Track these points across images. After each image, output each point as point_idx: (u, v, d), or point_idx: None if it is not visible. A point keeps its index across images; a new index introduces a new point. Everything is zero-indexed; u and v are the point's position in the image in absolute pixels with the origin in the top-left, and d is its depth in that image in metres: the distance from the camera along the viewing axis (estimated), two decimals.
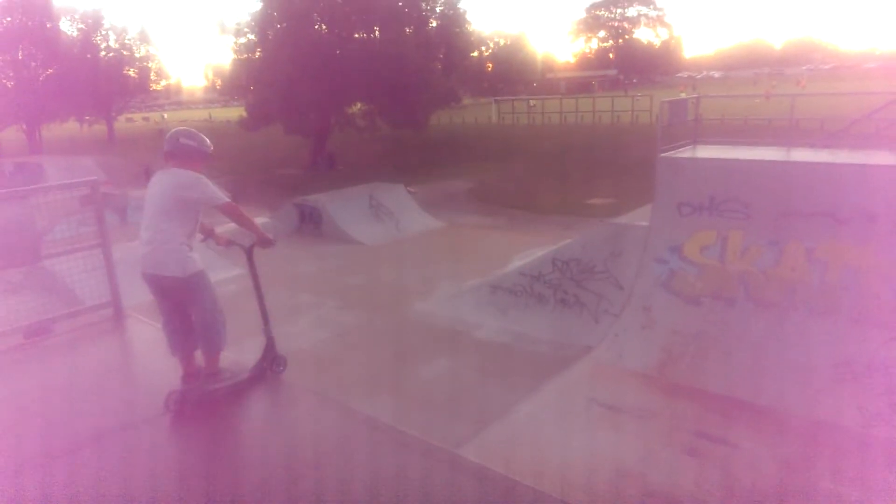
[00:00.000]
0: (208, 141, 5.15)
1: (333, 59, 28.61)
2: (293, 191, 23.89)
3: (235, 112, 45.33)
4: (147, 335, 6.47)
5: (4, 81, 42.66)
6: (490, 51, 78.05)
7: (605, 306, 8.91)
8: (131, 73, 53.71)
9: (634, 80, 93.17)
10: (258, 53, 32.55)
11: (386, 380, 8.03)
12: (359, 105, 34.19)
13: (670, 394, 7.15)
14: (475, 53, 61.51)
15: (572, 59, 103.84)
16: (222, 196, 4.84)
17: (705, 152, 8.98)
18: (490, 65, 77.51)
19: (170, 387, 4.95)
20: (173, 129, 5.11)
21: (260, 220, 17.87)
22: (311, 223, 17.10)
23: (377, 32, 31.40)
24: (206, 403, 4.85)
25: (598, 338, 8.49)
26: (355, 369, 8.44)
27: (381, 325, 10.22)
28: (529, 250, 13.44)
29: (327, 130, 32.35)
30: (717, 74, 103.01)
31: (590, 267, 9.26)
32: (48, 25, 43.00)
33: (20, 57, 42.97)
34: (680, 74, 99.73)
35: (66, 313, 6.59)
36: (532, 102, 53.15)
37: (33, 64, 43.86)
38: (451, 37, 33.54)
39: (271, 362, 5.72)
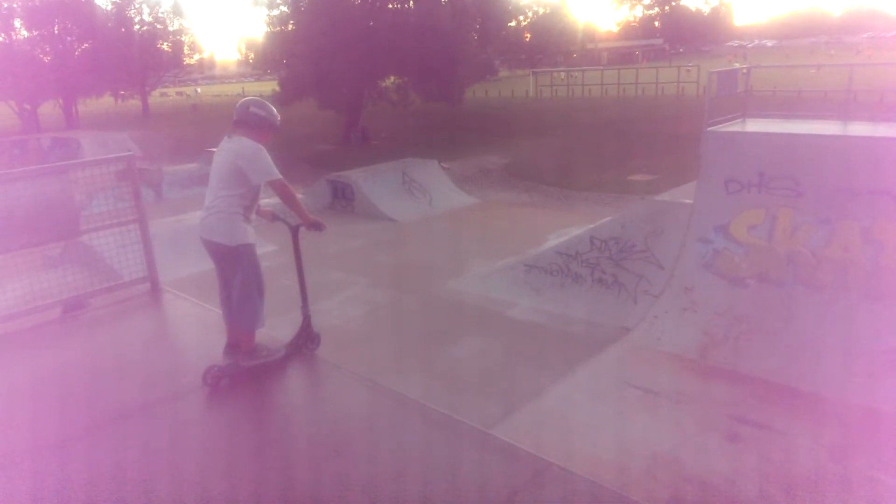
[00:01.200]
0: (276, 112, 5.22)
1: (367, 30, 28.55)
2: (326, 166, 24.12)
3: (268, 86, 45.77)
4: (183, 310, 6.70)
5: (41, 56, 43.82)
6: (528, 20, 76.63)
7: (644, 287, 8.81)
8: (165, 47, 54.63)
9: (681, 50, 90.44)
10: (291, 26, 32.67)
11: (416, 358, 8.13)
12: (392, 78, 34.09)
13: (710, 378, 7.07)
14: (512, 23, 60.51)
15: (615, 28, 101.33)
16: (276, 172, 4.92)
17: (755, 126, 8.73)
18: (528, 35, 76.21)
19: (207, 361, 5.13)
20: (245, 98, 5.19)
21: None
22: (343, 199, 17.27)
23: (411, 3, 31.15)
24: (242, 379, 5.01)
25: (636, 319, 8.42)
26: (386, 348, 8.57)
27: (413, 303, 10.32)
28: (566, 228, 13.33)
29: (360, 105, 32.41)
30: (769, 43, 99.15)
31: (629, 246, 9.16)
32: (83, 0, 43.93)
33: (56, 32, 44.02)
34: (730, 43, 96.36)
35: (103, 288, 6.85)
36: (561, 75, 52.17)
37: (69, 39, 44.91)
38: (488, 6, 32.99)
39: (307, 339, 5.87)
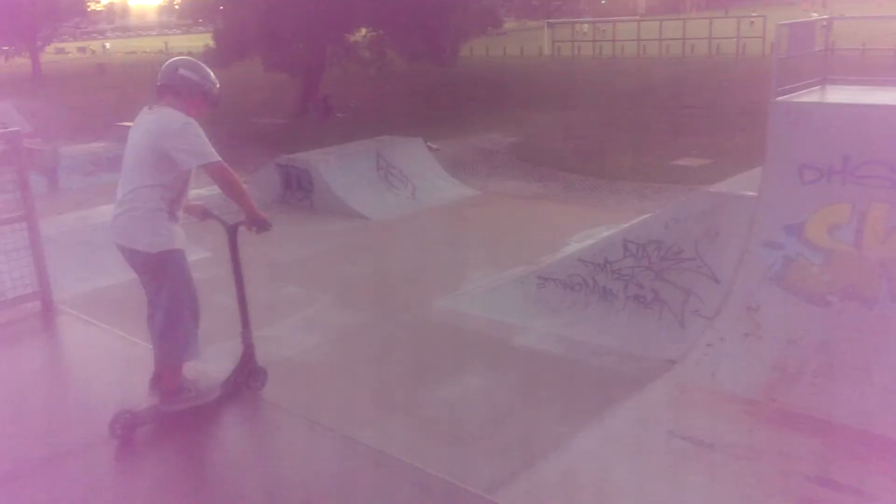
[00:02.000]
0: (214, 77, 5.19)
1: None
2: (275, 146, 24.10)
3: (200, 41, 45.69)
4: (86, 336, 6.67)
5: None
6: None
7: (694, 306, 8.83)
8: None
9: None
10: None
11: (398, 401, 8.08)
12: (364, 31, 34.13)
13: (782, 426, 7.08)
14: None
15: None
16: (212, 153, 4.91)
17: (839, 95, 8.80)
18: None
19: (116, 405, 5.10)
20: (173, 58, 5.15)
21: None
22: (298, 190, 17.22)
23: None
24: (164, 427, 4.99)
25: (685, 348, 8.44)
26: (357, 387, 8.50)
27: (392, 328, 10.28)
28: (592, 229, 13.36)
29: (321, 66, 32.43)
30: None
31: (675, 252, 9.18)
32: None
33: None
34: None
35: None
36: (585, 27, 52.45)
37: None
38: None
39: (248, 376, 5.85)
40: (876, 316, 7.52)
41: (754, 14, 47.09)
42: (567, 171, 19.86)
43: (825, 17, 10.45)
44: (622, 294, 9.55)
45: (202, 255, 13.43)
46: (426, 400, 8.14)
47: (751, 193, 8.77)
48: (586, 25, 53.60)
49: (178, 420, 5.14)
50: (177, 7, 36.08)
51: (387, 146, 18.22)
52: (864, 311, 7.59)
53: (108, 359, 5.17)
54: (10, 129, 6.57)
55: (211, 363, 8.76)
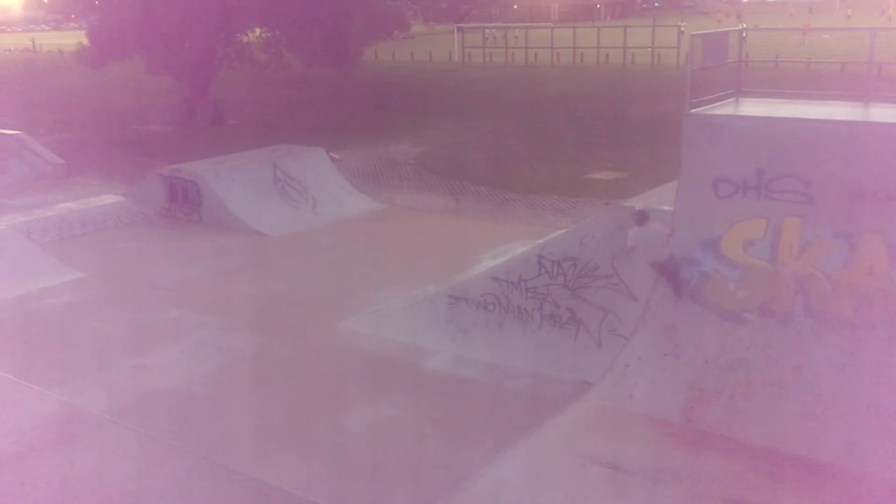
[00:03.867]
0: None
1: None
2: (159, 156, 23.43)
3: (72, 38, 44.10)
4: None
5: None
6: None
7: (611, 325, 9.05)
8: None
9: (656, 4, 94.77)
10: None
11: (291, 434, 7.97)
12: (258, 31, 33.64)
13: (699, 447, 7.33)
14: None
15: None
16: None
17: (752, 108, 9.17)
18: None
19: None
20: None
21: (110, 198, 17.51)
22: (185, 204, 16.81)
23: None
24: (31, 466, 4.76)
25: (601, 369, 8.62)
26: (253, 419, 8.35)
27: (291, 353, 10.15)
28: (505, 245, 13.56)
29: (211, 68, 31.78)
30: None
31: (591, 269, 9.39)
32: None
33: None
34: None
35: None
36: (497, 33, 53.48)
37: None
38: None
39: None
40: (792, 332, 7.88)
41: (670, 24, 48.97)
42: (479, 184, 20.06)
43: (739, 28, 10.95)
44: (537, 313, 9.69)
45: (74, 276, 12.96)
46: (330, 431, 8.08)
47: (666, 208, 9.06)
48: (498, 31, 54.51)
49: (50, 460, 4.91)
50: (46, 1, 34.69)
51: (284, 156, 18.00)
52: (780, 328, 7.93)
53: None
54: None
55: (86, 396, 8.44)
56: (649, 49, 40.90)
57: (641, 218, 8.84)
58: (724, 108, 9.20)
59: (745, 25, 35.38)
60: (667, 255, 8.90)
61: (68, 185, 19.85)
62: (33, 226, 14.89)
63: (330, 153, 19.13)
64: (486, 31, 55.35)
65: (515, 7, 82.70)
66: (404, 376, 9.23)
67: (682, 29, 41.95)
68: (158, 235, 15.80)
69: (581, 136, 23.83)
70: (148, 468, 5.17)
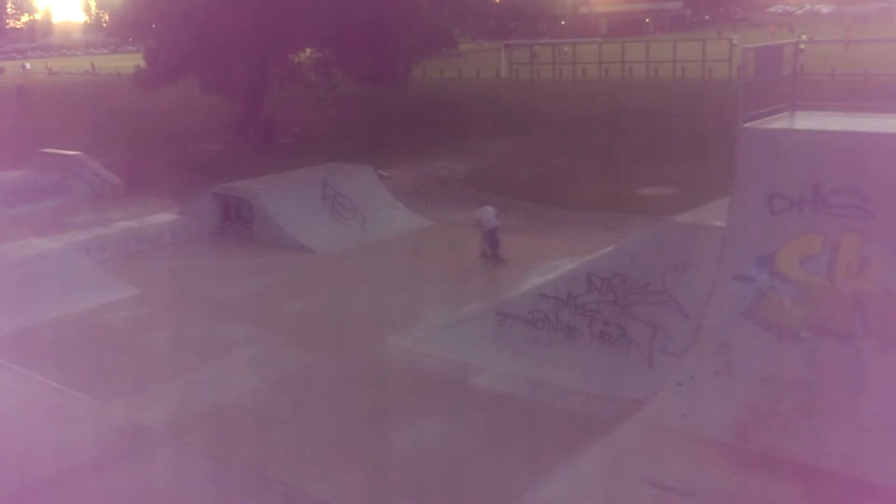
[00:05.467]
0: None
1: None
2: (213, 174, 23.83)
3: (130, 61, 45.24)
4: (6, 383, 6.47)
5: None
6: None
7: (662, 342, 8.93)
8: None
9: (707, 17, 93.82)
10: None
11: (349, 450, 8.00)
12: (309, 52, 34.11)
13: (752, 469, 7.17)
14: None
15: None
16: None
17: (808, 121, 9.03)
18: None
19: (39, 455, 4.95)
20: None
21: (165, 216, 17.86)
22: (238, 222, 17.07)
23: None
24: (100, 483, 4.84)
25: (652, 388, 8.50)
26: (304, 434, 8.40)
27: (342, 369, 10.21)
28: (554, 262, 13.47)
29: (263, 88, 32.28)
30: (825, 9, 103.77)
31: (641, 286, 9.29)
32: None
33: None
34: (772, 9, 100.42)
35: None
36: (543, 49, 53.38)
37: None
38: None
39: None
40: (850, 351, 7.68)
41: (721, 37, 48.33)
42: (527, 201, 19.99)
43: (794, 40, 10.79)
44: (587, 331, 9.61)
45: (131, 293, 13.24)
46: (381, 447, 8.08)
47: (719, 224, 8.94)
48: (546, 47, 54.37)
49: (112, 474, 5.00)
50: (104, 25, 35.64)
51: (334, 174, 18.19)
52: (839, 347, 7.74)
53: (31, 408, 5.01)
54: None
55: (142, 411, 8.59)
56: (700, 63, 40.41)
57: (480, 203, 14.80)
58: (778, 122, 9.08)
59: (804, 37, 34.86)
60: (490, 228, 14.32)
61: (125, 204, 20.35)
62: (92, 243, 15.25)
63: (379, 170, 19.28)
64: (533, 47, 55.29)
65: (563, 23, 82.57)
66: (452, 393, 9.21)
67: (734, 42, 41.48)
68: (212, 252, 16.07)
69: (630, 152, 23.62)
70: (205, 482, 5.23)
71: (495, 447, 7.94)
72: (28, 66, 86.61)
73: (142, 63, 32.65)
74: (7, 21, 57.06)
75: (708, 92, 32.46)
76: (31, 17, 61.78)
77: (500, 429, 8.34)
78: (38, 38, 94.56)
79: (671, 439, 7.74)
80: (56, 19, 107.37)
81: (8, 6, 56.07)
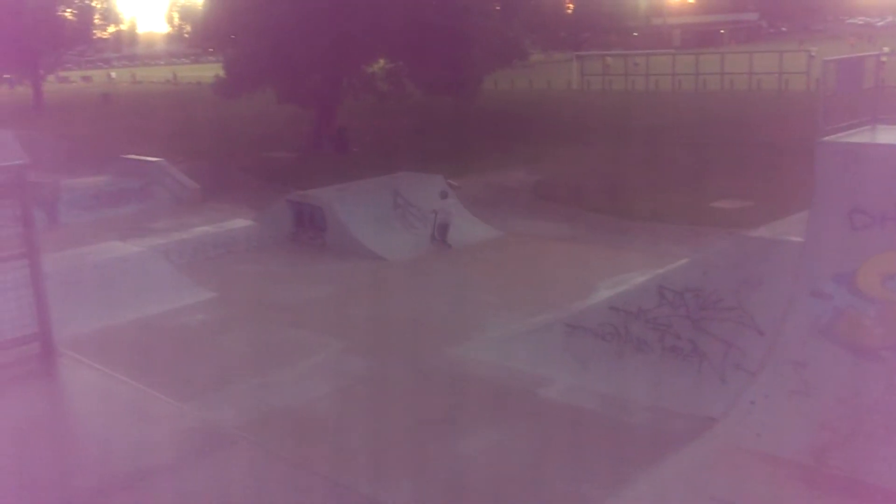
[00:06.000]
0: None
1: None
2: (287, 182, 24.31)
3: (209, 71, 46.53)
4: (88, 381, 6.68)
5: None
6: None
7: (736, 359, 8.73)
8: (68, 14, 55.84)
9: (783, 29, 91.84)
10: None
11: (408, 457, 8.03)
12: (381, 62, 34.52)
13: (830, 492, 6.95)
14: None
15: None
16: None
17: (891, 136, 8.75)
18: (570, 6, 77.61)
19: (118, 454, 5.09)
20: None
21: (241, 222, 18.26)
22: (311, 228, 17.35)
23: None
24: (178, 482, 4.96)
25: (726, 405, 8.33)
26: (365, 439, 8.47)
27: (404, 376, 10.26)
28: (624, 274, 13.33)
29: (337, 98, 32.79)
30: None
31: (714, 301, 9.11)
32: None
33: None
34: (852, 20, 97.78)
35: None
36: (615, 60, 52.92)
37: None
38: None
39: None
40: None
41: (799, 49, 47.31)
42: (597, 212, 19.82)
43: (875, 52, 10.49)
44: (658, 345, 9.46)
45: (207, 296, 13.58)
46: (436, 455, 8.09)
47: (796, 239, 8.73)
48: (618, 58, 54.02)
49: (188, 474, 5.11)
50: (186, 36, 36.71)
51: (405, 183, 18.34)
52: None
53: (111, 405, 5.17)
54: (14, 162, 6.69)
55: (214, 411, 8.78)
56: (776, 75, 39.59)
57: (443, 195, 16.66)
58: (860, 136, 8.82)
59: (886, 49, 33.90)
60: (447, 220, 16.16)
61: (203, 210, 20.90)
62: (171, 248, 15.69)
63: (448, 180, 19.36)
64: (605, 58, 54.94)
65: (635, 34, 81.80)
66: (519, 404, 9.17)
67: (813, 54, 40.46)
68: (285, 258, 16.39)
69: (703, 164, 23.20)
70: (278, 485, 5.31)
71: (564, 460, 7.88)
72: (113, 74, 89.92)
73: (221, 73, 33.51)
74: (94, 31, 59.05)
75: (784, 104, 31.78)
76: (118, 28, 63.86)
77: (568, 442, 8.28)
78: (124, 48, 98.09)
79: (745, 459, 7.56)
80: (140, 30, 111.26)
81: (95, 17, 58.04)
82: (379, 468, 7.61)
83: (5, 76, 54.75)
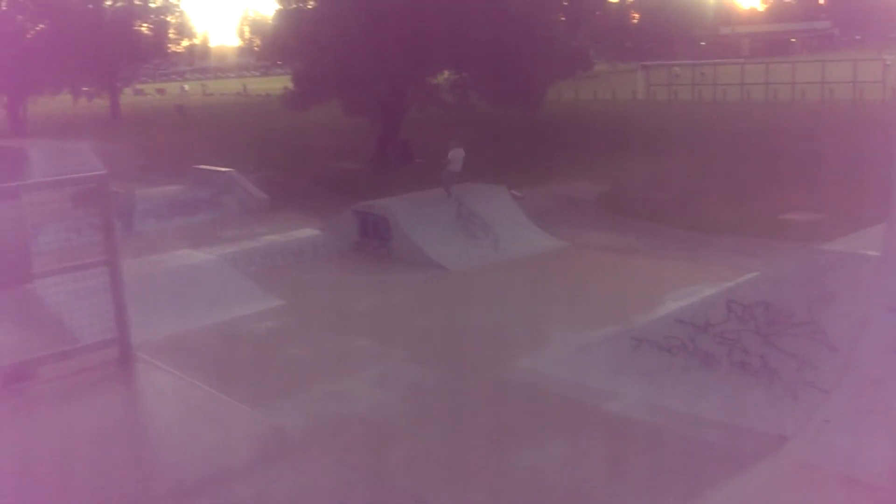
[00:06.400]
0: None
1: (412, 9, 29.35)
2: (353, 192, 24.61)
3: (279, 83, 47.49)
4: (163, 385, 6.86)
5: None
6: None
7: (808, 376, 8.52)
8: (144, 29, 57.64)
9: (857, 37, 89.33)
10: (311, 2, 33.96)
11: (473, 469, 8.03)
12: (446, 74, 34.74)
13: None
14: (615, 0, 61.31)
15: (761, 7, 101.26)
16: None
17: None
18: (636, 15, 76.99)
19: (194, 458, 5.18)
20: None
21: (308, 231, 18.56)
22: (376, 238, 17.52)
23: None
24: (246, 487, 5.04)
25: (798, 424, 8.11)
26: (429, 450, 8.52)
27: (469, 388, 10.27)
28: (691, 287, 13.11)
29: (402, 109, 33.09)
30: None
31: (785, 316, 8.91)
32: None
33: (3, 7, 46.32)
34: None
35: (55, 353, 7.08)
36: (683, 70, 52.12)
37: (19, 17, 47.29)
38: None
39: None
40: None
41: (874, 57, 45.97)
42: (662, 224, 19.58)
43: None
44: (726, 360, 9.28)
45: (275, 304, 13.81)
46: (505, 468, 8.05)
47: (872, 253, 8.47)
48: (685, 68, 53.32)
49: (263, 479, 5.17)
50: (256, 49, 37.60)
51: (468, 193, 18.39)
52: None
53: (186, 409, 5.30)
54: (96, 172, 6.93)
55: (282, 418, 8.92)
56: (850, 84, 38.53)
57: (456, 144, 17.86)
58: None
59: None
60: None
61: (271, 219, 21.28)
62: (240, 256, 16.01)
63: (512, 191, 19.35)
64: (672, 68, 54.27)
65: (703, 44, 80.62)
66: (581, 418, 9.09)
67: (888, 63, 39.29)
68: (350, 267, 16.58)
69: (773, 175, 22.74)
70: (347, 492, 5.36)
71: (623, 475, 7.78)
72: (186, 87, 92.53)
73: (289, 85, 34.18)
74: (169, 45, 60.86)
75: (859, 114, 30.92)
76: (191, 42, 65.73)
77: (628, 456, 8.17)
78: (196, 62, 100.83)
79: (819, 479, 7.34)
80: (212, 44, 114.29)
81: (170, 31, 59.83)
82: (448, 479, 7.66)
83: (84, 89, 56.67)
